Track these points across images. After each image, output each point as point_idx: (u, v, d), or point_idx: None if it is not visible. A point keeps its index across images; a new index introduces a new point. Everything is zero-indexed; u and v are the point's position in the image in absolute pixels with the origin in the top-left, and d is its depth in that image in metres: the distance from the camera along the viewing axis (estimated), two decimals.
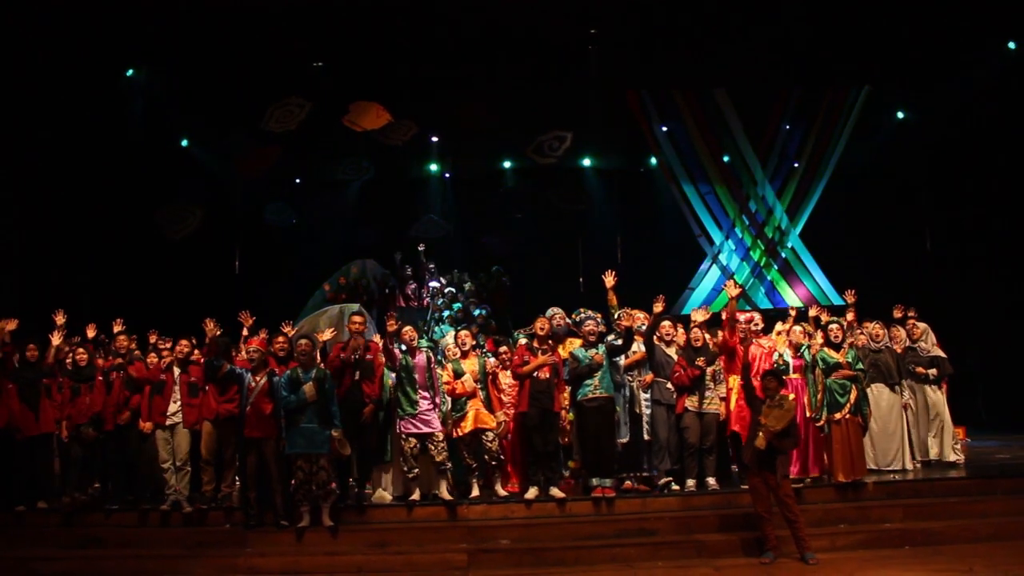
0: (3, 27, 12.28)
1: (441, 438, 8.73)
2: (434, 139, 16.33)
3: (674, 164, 16.53)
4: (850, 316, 10.27)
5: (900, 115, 16.44)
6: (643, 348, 9.09)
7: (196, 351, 9.18)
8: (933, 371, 10.11)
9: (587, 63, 14.46)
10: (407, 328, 9.05)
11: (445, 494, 8.65)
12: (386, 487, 9.05)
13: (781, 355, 9.22)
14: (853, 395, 8.92)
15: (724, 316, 9.17)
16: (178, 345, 9.21)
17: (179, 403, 8.88)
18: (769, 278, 16.33)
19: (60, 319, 9.27)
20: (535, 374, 8.72)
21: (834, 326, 9.17)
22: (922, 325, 10.39)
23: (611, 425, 8.72)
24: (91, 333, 9.60)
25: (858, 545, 7.98)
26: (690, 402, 8.86)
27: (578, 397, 8.70)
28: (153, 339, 9.74)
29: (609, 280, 9.30)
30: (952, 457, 10.04)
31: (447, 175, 17.26)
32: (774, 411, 7.59)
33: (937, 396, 10.15)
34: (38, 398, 9.06)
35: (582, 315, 9.09)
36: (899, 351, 10.17)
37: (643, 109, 16.39)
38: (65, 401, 9.13)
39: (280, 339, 8.90)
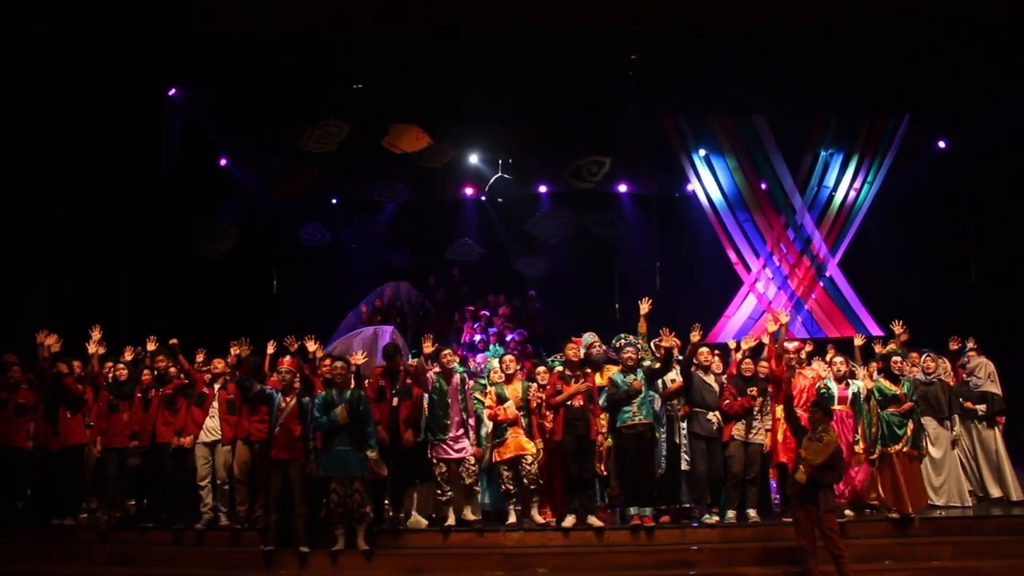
0: (43, 45, 12.45)
1: (473, 462, 8.65)
2: (472, 162, 16.26)
3: (711, 191, 16.39)
4: (892, 345, 10.09)
5: (941, 144, 16.22)
6: (680, 377, 8.95)
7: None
8: (982, 407, 9.86)
9: (626, 88, 14.41)
10: (446, 350, 8.99)
11: (470, 516, 8.58)
12: (421, 511, 8.96)
13: (826, 385, 9.07)
14: (910, 427, 8.75)
15: (772, 346, 9.07)
16: (213, 364, 9.26)
17: (217, 419, 8.90)
18: (807, 308, 16.11)
19: (96, 334, 9.31)
20: (570, 402, 8.64)
21: (897, 358, 9.00)
22: (977, 359, 10.16)
23: (651, 452, 8.59)
24: (128, 356, 9.63)
25: None
26: (737, 431, 8.73)
27: (617, 424, 8.59)
28: (201, 357, 9.75)
29: (644, 307, 9.21)
30: (1015, 496, 9.70)
31: (483, 198, 17.24)
32: (814, 444, 7.49)
33: (988, 433, 9.88)
34: (56, 413, 9.11)
35: (622, 341, 9.00)
36: (951, 383, 9.96)
37: (680, 135, 16.30)
38: (102, 415, 9.15)
39: (328, 361, 8.84)
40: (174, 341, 9.19)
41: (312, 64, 13.87)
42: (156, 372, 9.27)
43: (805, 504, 7.50)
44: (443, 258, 16.43)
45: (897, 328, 10.02)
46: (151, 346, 9.69)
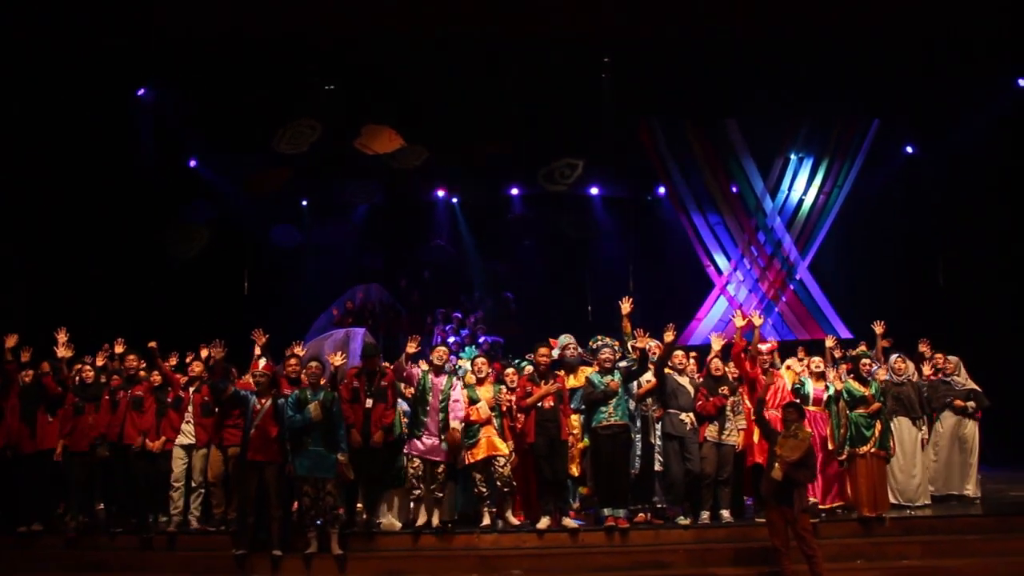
0: (13, 44, 12.27)
1: (441, 469, 8.59)
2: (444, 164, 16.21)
3: (683, 193, 16.49)
4: (861, 347, 10.20)
5: (909, 149, 16.43)
6: (654, 378, 8.96)
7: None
8: (972, 404, 10.00)
9: (600, 91, 14.46)
10: (441, 348, 9.02)
11: (436, 521, 8.53)
12: (395, 512, 8.92)
13: (804, 385, 9.15)
14: (878, 429, 8.83)
15: (741, 342, 9.11)
16: (191, 366, 9.18)
17: (192, 423, 8.81)
18: (777, 310, 16.25)
19: (63, 337, 9.16)
20: (540, 403, 8.64)
21: (866, 360, 9.10)
22: (954, 358, 10.29)
23: (626, 453, 8.58)
24: (100, 361, 9.52)
25: None
26: (709, 432, 8.76)
27: (592, 424, 8.57)
28: (174, 360, 9.64)
29: (626, 307, 9.20)
30: (971, 492, 9.90)
31: (455, 200, 17.23)
32: (789, 441, 7.53)
33: (972, 430, 10.01)
34: (35, 416, 8.94)
35: (599, 343, 9.00)
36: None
37: (653, 138, 16.37)
38: (68, 418, 9.00)
39: (292, 361, 8.82)
40: (153, 344, 9.08)
41: (285, 65, 13.78)
42: (126, 374, 9.14)
43: (779, 504, 7.54)
44: (415, 260, 16.41)
45: (878, 328, 10.13)
46: (119, 348, 9.58)
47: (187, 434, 8.88)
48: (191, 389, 9.04)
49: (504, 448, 8.67)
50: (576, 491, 9.25)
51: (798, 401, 8.60)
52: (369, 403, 8.68)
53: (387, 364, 9.08)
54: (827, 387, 9.23)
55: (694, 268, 16.62)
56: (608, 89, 14.42)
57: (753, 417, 8.46)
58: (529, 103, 14.25)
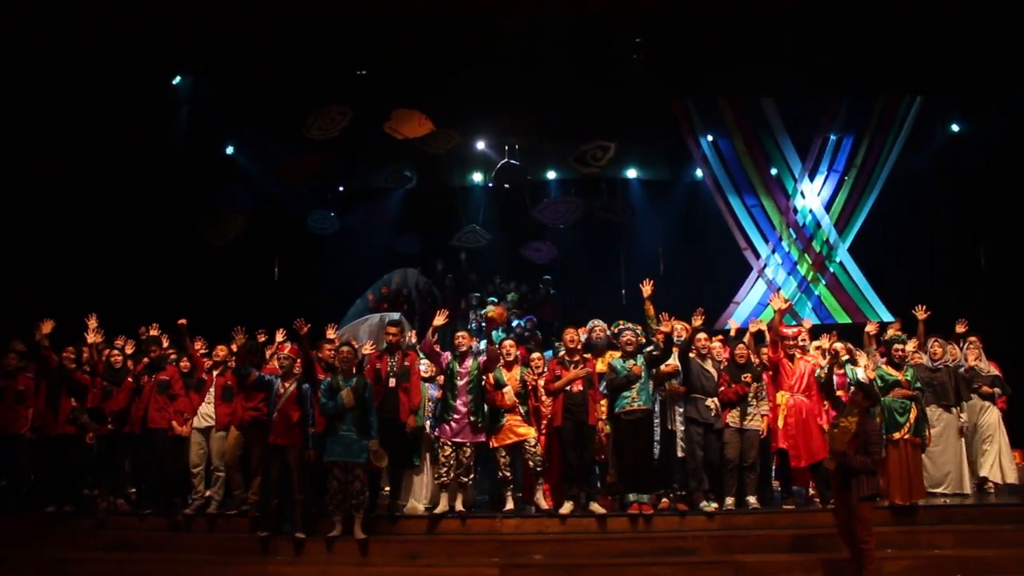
0: (49, 32, 12.44)
1: (468, 453, 8.59)
2: (479, 147, 16.11)
3: (719, 175, 16.23)
4: (891, 332, 9.96)
5: (954, 127, 15.95)
6: (675, 360, 8.83)
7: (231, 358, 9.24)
8: (997, 390, 9.76)
9: (632, 72, 14.24)
10: (462, 333, 9.00)
11: (459, 506, 8.55)
12: (418, 497, 8.94)
13: (823, 370, 8.96)
14: (913, 415, 8.60)
15: (769, 332, 8.98)
16: (215, 351, 9.27)
17: (212, 405, 8.91)
18: (816, 293, 15.93)
19: (93, 323, 9.30)
20: (569, 388, 8.56)
21: (899, 345, 8.86)
22: (975, 343, 10.02)
23: (649, 438, 8.52)
24: (129, 350, 9.65)
25: (906, 572, 7.73)
26: (731, 418, 8.65)
27: (615, 409, 8.49)
28: (198, 344, 9.75)
29: (647, 289, 9.07)
30: (1010, 478, 9.60)
31: (490, 184, 17.15)
32: (832, 431, 7.37)
33: (996, 415, 9.74)
34: (59, 398, 9.09)
35: (620, 327, 8.89)
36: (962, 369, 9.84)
37: (688, 119, 16.10)
38: (96, 402, 9.16)
39: (328, 346, 8.87)
40: (183, 321, 9.16)
41: (317, 50, 13.80)
42: (151, 358, 9.27)
43: (841, 491, 7.34)
44: (450, 244, 16.41)
45: (920, 313, 9.87)
46: (153, 332, 9.71)
47: (205, 417, 8.99)
48: (215, 373, 9.14)
49: (531, 433, 8.62)
50: (604, 477, 9.21)
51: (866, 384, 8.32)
52: (392, 382, 8.69)
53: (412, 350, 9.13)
54: (845, 372, 9.01)
55: (732, 251, 16.34)
56: (641, 69, 14.17)
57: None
58: (562, 84, 14.08)
